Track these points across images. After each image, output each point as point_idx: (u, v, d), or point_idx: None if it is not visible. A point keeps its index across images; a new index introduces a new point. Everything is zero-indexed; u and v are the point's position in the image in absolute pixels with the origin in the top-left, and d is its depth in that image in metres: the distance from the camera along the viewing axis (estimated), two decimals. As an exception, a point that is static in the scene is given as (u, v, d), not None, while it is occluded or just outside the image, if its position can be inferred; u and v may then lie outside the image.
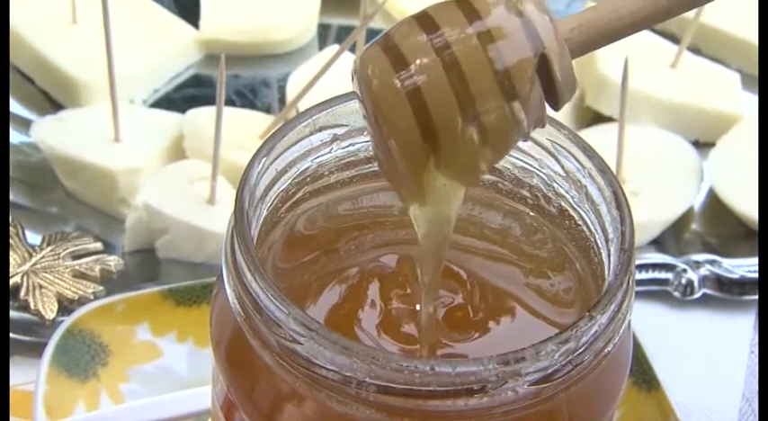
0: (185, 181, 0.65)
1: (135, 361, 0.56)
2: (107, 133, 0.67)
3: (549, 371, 0.34)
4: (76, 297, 0.61)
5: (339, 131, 0.41)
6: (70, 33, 0.73)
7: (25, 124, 0.69)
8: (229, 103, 0.71)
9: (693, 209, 0.69)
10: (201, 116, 0.68)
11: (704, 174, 0.69)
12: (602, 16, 0.35)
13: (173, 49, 0.75)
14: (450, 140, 0.35)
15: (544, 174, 0.42)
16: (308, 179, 0.42)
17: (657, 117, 0.72)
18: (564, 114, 0.71)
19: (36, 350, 0.57)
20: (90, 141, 0.66)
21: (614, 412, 0.40)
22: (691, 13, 0.72)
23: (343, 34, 0.78)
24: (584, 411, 0.37)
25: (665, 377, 0.56)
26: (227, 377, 0.39)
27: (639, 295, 0.62)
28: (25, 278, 0.61)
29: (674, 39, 0.76)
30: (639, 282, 0.63)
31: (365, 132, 0.41)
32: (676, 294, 0.64)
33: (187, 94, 0.74)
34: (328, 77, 0.65)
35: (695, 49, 0.77)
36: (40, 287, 0.61)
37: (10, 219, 0.63)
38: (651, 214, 0.66)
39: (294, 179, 0.41)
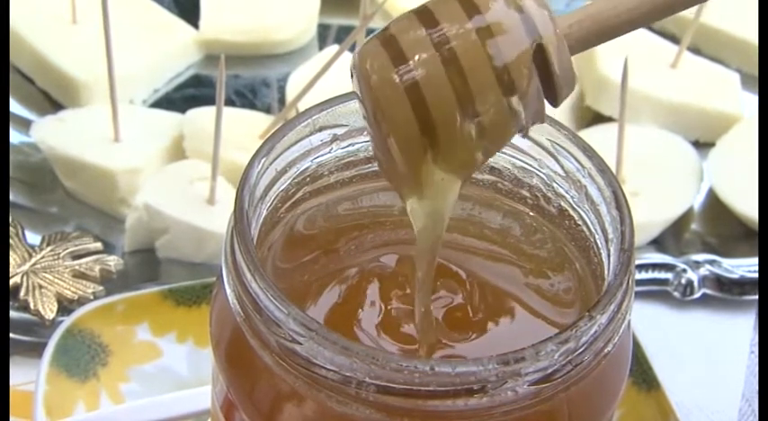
0: (185, 181, 0.65)
1: (135, 361, 0.56)
2: (107, 133, 0.67)
3: (549, 371, 0.34)
4: (76, 297, 0.61)
5: (339, 131, 0.41)
6: (70, 33, 0.73)
7: (25, 124, 0.69)
8: (229, 103, 0.71)
9: (693, 209, 0.69)
10: (201, 116, 0.68)
11: (704, 174, 0.69)
12: (601, 13, 0.36)
13: (173, 49, 0.75)
14: (449, 135, 0.35)
15: (544, 174, 0.42)
16: (308, 179, 0.42)
17: (657, 117, 0.72)
18: (564, 114, 0.71)
19: (36, 350, 0.57)
20: (90, 141, 0.66)
21: (614, 412, 0.40)
22: (691, 13, 0.72)
23: (343, 34, 0.78)
24: (584, 411, 0.37)
25: (664, 377, 0.56)
26: (226, 377, 0.39)
27: (639, 295, 0.62)
28: (25, 278, 0.61)
29: (674, 39, 0.76)
30: (639, 282, 0.63)
31: (365, 132, 0.41)
32: (676, 294, 0.64)
33: (187, 94, 0.74)
34: (328, 77, 0.65)
35: (695, 49, 0.77)
36: (40, 287, 0.61)
37: (10, 219, 0.63)
38: (651, 214, 0.66)
39: (294, 179, 0.41)
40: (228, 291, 0.37)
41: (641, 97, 0.71)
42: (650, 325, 0.62)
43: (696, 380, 0.61)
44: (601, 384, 0.37)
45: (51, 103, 0.71)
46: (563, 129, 0.40)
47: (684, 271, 0.64)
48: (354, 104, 0.40)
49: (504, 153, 0.42)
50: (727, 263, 0.65)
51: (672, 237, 0.67)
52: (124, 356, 0.56)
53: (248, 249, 0.36)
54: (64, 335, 0.55)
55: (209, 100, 0.66)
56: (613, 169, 0.46)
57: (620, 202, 0.38)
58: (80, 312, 0.57)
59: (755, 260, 0.65)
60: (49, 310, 0.60)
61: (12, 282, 0.61)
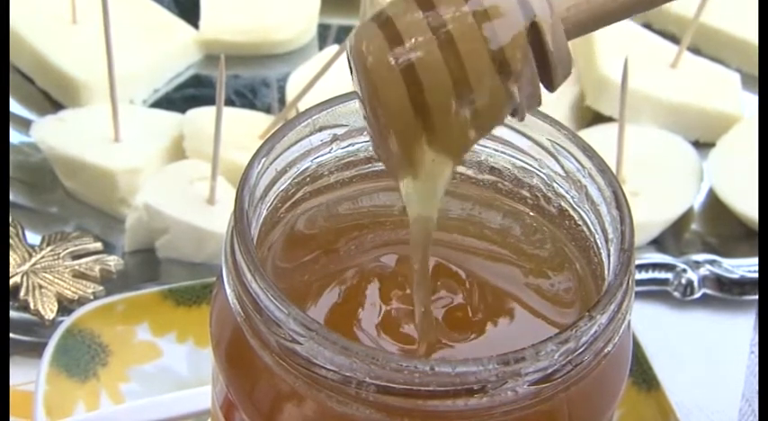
0: (185, 181, 0.65)
1: (135, 361, 0.56)
2: (107, 133, 0.67)
3: (549, 371, 0.34)
4: (76, 297, 0.61)
5: (339, 131, 0.41)
6: (70, 33, 0.73)
7: (25, 124, 0.69)
8: (229, 103, 0.71)
9: (693, 209, 0.69)
10: (201, 116, 0.68)
11: (704, 174, 0.69)
12: None
13: (173, 49, 0.75)
14: (443, 118, 0.35)
15: (544, 174, 0.42)
16: (308, 179, 0.42)
17: (657, 117, 0.72)
18: (564, 114, 0.71)
19: (36, 350, 0.57)
20: (90, 141, 0.66)
21: (614, 412, 0.40)
22: (691, 13, 0.72)
23: (343, 34, 0.78)
24: (584, 411, 0.37)
25: (664, 377, 0.56)
26: (226, 377, 0.39)
27: (639, 295, 0.62)
28: (25, 278, 0.61)
29: (674, 39, 0.76)
30: (639, 282, 0.63)
31: (365, 132, 0.41)
32: (676, 294, 0.64)
33: (187, 94, 0.74)
34: (328, 77, 0.65)
35: (695, 49, 0.77)
36: (40, 287, 0.61)
37: (10, 219, 0.63)
38: (651, 214, 0.66)
39: (294, 179, 0.41)
40: (228, 291, 0.37)
41: (641, 97, 0.71)
42: (650, 325, 0.62)
43: (696, 380, 0.61)
44: (601, 384, 0.37)
45: (51, 103, 0.71)
46: (563, 129, 0.40)
47: (684, 271, 0.64)
48: (354, 104, 0.40)
49: (504, 153, 0.42)
50: (727, 263, 0.65)
51: (672, 237, 0.67)
52: (124, 356, 0.56)
53: (248, 249, 0.36)
54: (64, 335, 0.55)
55: (209, 100, 0.66)
56: (613, 169, 0.46)
57: (620, 202, 0.38)
58: (80, 312, 0.57)
59: (755, 260, 0.65)
60: (49, 310, 0.60)
61: (12, 282, 0.61)
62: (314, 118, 0.40)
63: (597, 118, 0.72)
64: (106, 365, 0.56)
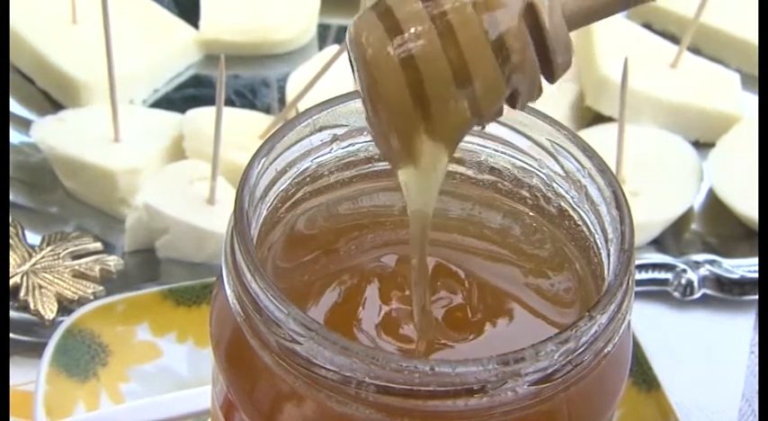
0: (185, 181, 0.65)
1: (135, 361, 0.56)
2: (107, 133, 0.67)
3: (549, 371, 0.34)
4: (76, 297, 0.61)
5: (339, 131, 0.41)
6: (70, 33, 0.73)
7: (25, 124, 0.69)
8: (229, 103, 0.71)
9: (693, 209, 0.69)
10: (201, 116, 0.68)
11: (704, 174, 0.69)
12: None
13: (173, 49, 0.75)
14: (442, 109, 0.35)
15: (544, 174, 0.42)
16: (308, 179, 0.42)
17: (657, 117, 0.72)
18: (564, 114, 0.71)
19: (36, 350, 0.57)
20: (90, 141, 0.66)
21: (614, 412, 0.40)
22: (691, 13, 0.72)
23: (342, 34, 0.78)
24: (584, 411, 0.37)
25: (664, 377, 0.56)
26: (226, 377, 0.39)
27: (639, 295, 0.62)
28: (25, 278, 0.61)
29: (674, 39, 0.76)
30: (639, 282, 0.63)
31: (365, 132, 0.41)
32: (676, 294, 0.64)
33: (187, 94, 0.74)
34: (328, 77, 0.65)
35: (695, 49, 0.77)
36: (40, 287, 0.61)
37: (10, 219, 0.63)
38: (651, 214, 0.66)
39: (294, 179, 0.41)
40: (228, 291, 0.37)
41: (641, 97, 0.71)
42: (650, 325, 0.62)
43: (696, 380, 0.61)
44: (601, 384, 0.37)
45: (51, 103, 0.71)
46: (563, 129, 0.40)
47: (684, 271, 0.64)
48: (354, 104, 0.40)
49: (504, 153, 0.42)
50: (727, 263, 0.65)
51: (672, 237, 0.67)
52: (124, 356, 0.56)
53: (248, 249, 0.36)
54: (64, 335, 0.55)
55: (209, 100, 0.66)
56: (613, 169, 0.46)
57: (620, 202, 0.38)
58: (80, 312, 0.57)
59: (755, 260, 0.65)
60: (49, 310, 0.60)
61: (12, 282, 0.61)
62: (314, 118, 0.40)
63: (597, 118, 0.72)
64: (106, 365, 0.56)
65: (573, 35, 0.36)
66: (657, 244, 0.67)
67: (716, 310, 0.65)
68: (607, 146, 0.64)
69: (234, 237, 0.36)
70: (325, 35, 0.79)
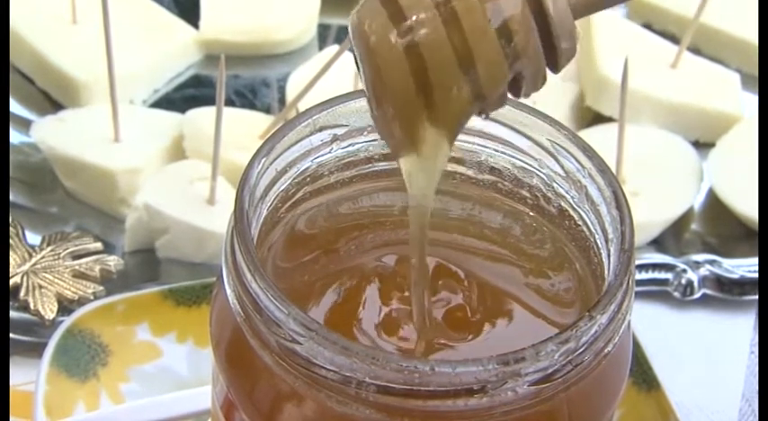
0: (185, 181, 0.65)
1: (135, 361, 0.56)
2: (107, 133, 0.67)
3: (549, 371, 0.34)
4: (76, 297, 0.61)
5: (339, 131, 0.41)
6: (70, 33, 0.73)
7: (25, 124, 0.69)
8: (229, 103, 0.71)
9: (693, 209, 0.69)
10: (201, 116, 0.68)
11: (704, 174, 0.69)
12: None
13: (173, 49, 0.75)
14: (446, 97, 0.34)
15: (544, 174, 0.42)
16: (308, 179, 0.42)
17: (657, 117, 0.72)
18: (564, 114, 0.71)
19: (36, 350, 0.57)
20: (90, 141, 0.66)
21: (614, 412, 0.40)
22: (691, 13, 0.72)
23: (343, 34, 0.78)
24: (584, 411, 0.37)
25: (664, 377, 0.56)
26: (227, 377, 0.39)
27: (639, 295, 0.62)
28: (25, 278, 0.61)
29: (674, 39, 0.76)
30: (639, 282, 0.63)
31: (365, 132, 0.41)
32: (676, 294, 0.64)
33: (187, 94, 0.74)
34: (328, 77, 0.65)
35: (695, 49, 0.76)
36: (40, 287, 0.61)
37: (10, 219, 0.63)
38: (651, 214, 0.66)
39: (294, 179, 0.41)
40: (228, 291, 0.37)
41: (641, 97, 0.71)
42: (650, 325, 0.62)
43: (696, 380, 0.61)
44: (601, 384, 0.37)
45: (51, 103, 0.71)
46: (563, 130, 0.40)
47: (684, 271, 0.64)
48: (354, 104, 0.40)
49: (504, 153, 0.42)
50: (727, 263, 0.65)
51: (672, 237, 0.67)
52: (124, 356, 0.56)
53: (248, 249, 0.36)
54: (64, 335, 0.55)
55: (209, 100, 0.66)
56: (613, 169, 0.46)
57: (620, 202, 0.38)
58: (80, 312, 0.57)
59: (755, 260, 0.65)
60: (49, 310, 0.60)
61: (12, 282, 0.61)
62: (314, 118, 0.40)
63: (597, 118, 0.72)
64: (106, 365, 0.56)
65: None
66: (657, 244, 0.67)
67: (716, 310, 0.65)
68: (607, 146, 0.64)
69: (234, 237, 0.36)
70: (325, 35, 0.79)
